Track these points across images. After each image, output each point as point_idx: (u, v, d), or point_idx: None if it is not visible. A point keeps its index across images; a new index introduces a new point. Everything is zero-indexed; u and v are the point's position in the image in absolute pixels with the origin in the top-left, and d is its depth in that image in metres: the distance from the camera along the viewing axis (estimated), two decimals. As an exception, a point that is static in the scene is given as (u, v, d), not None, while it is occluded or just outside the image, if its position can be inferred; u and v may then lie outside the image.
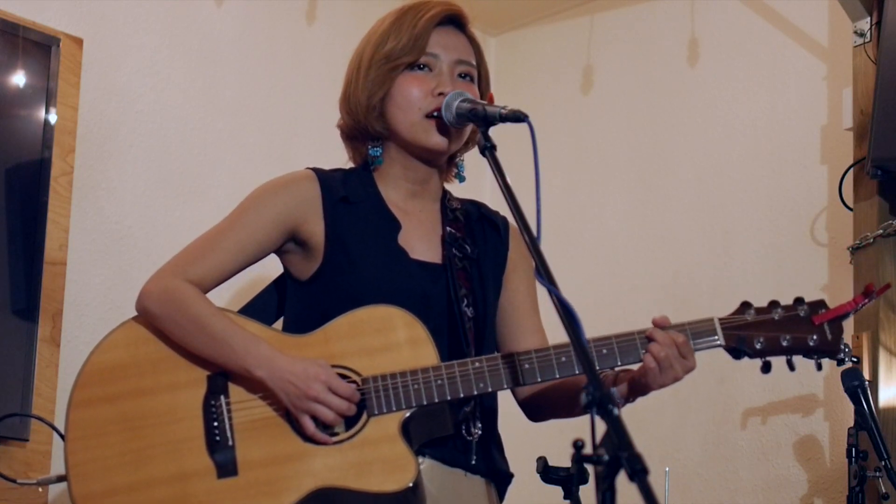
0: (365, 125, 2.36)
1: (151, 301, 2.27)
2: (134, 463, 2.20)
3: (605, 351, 2.19)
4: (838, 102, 3.73)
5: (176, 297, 2.26)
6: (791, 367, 2.23)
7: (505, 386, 2.21)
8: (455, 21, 2.40)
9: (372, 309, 2.24)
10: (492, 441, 2.37)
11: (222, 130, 3.81)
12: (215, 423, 2.21)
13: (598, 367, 2.18)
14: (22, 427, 3.15)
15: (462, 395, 2.19)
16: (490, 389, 2.20)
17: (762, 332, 2.22)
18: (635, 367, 2.24)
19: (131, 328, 2.29)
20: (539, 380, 2.21)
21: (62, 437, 2.27)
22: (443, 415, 2.22)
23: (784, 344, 2.22)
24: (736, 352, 2.23)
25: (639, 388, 2.24)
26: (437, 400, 2.18)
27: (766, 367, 2.22)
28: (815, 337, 2.23)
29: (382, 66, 2.34)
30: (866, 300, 2.21)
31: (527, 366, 2.20)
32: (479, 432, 2.29)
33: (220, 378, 2.24)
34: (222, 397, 2.22)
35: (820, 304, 2.25)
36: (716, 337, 2.22)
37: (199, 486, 2.18)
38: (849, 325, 3.51)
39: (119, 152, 3.55)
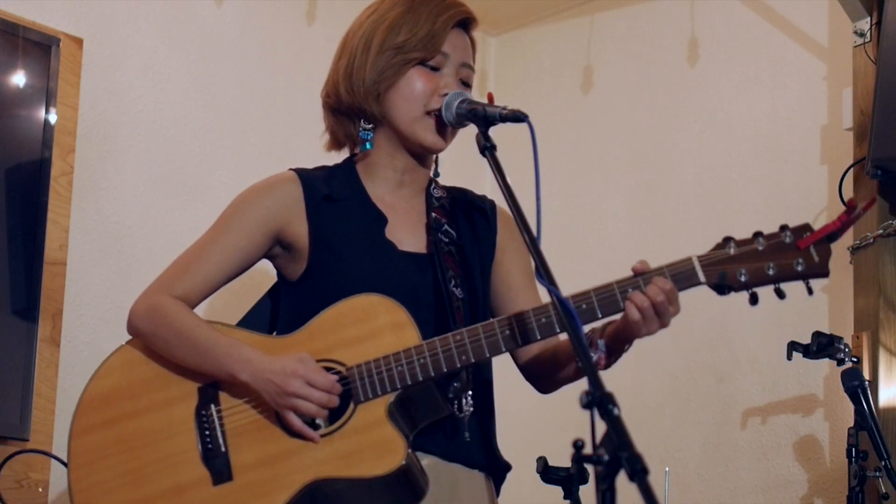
0: (363, 106, 2.36)
1: (139, 319, 2.31)
2: (133, 482, 2.23)
3: (584, 306, 2.14)
4: (838, 102, 3.73)
5: (160, 312, 2.28)
6: (780, 295, 2.13)
7: (487, 354, 2.18)
8: (466, 24, 2.41)
9: (353, 300, 2.24)
10: (489, 426, 2.36)
11: (222, 130, 3.81)
12: (207, 432, 2.23)
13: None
14: (22, 427, 3.16)
15: (446, 370, 2.18)
16: (473, 360, 2.18)
17: (745, 264, 2.14)
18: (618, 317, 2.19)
19: (126, 352, 2.32)
20: (520, 343, 2.18)
21: (64, 464, 2.30)
22: (431, 394, 2.21)
23: (770, 273, 2.13)
24: (719, 287, 2.16)
25: (625, 338, 2.20)
26: (420, 378, 2.17)
27: (754, 299, 2.14)
28: (801, 261, 2.12)
29: (394, 55, 2.33)
30: (850, 218, 2.10)
31: (507, 332, 2.17)
32: (471, 409, 2.26)
33: (211, 388, 2.26)
34: (213, 406, 2.24)
35: (805, 227, 2.15)
36: (696, 275, 2.17)
37: (196, 496, 2.20)
38: (849, 325, 3.52)
39: (119, 152, 3.55)
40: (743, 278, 2.14)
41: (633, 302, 2.14)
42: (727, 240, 2.18)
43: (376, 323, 2.22)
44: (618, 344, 2.22)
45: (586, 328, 2.21)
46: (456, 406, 2.26)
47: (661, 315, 2.15)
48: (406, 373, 2.17)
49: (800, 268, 2.13)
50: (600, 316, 2.16)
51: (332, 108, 2.43)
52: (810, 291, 2.14)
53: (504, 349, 2.19)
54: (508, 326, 2.18)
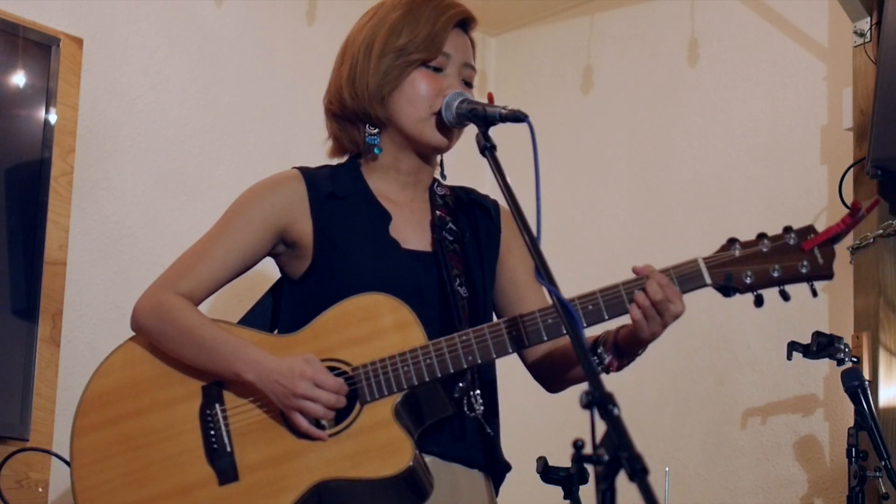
0: (367, 110, 2.36)
1: (143, 316, 2.30)
2: (138, 482, 2.23)
3: (590, 307, 2.16)
4: (838, 102, 3.73)
5: (165, 310, 2.28)
6: (785, 297, 2.15)
7: (493, 355, 2.19)
8: (465, 24, 2.42)
9: (357, 298, 2.24)
10: (492, 426, 2.35)
11: (222, 130, 3.81)
12: (212, 432, 2.23)
13: (585, 324, 2.14)
14: (22, 427, 3.16)
15: (452, 371, 2.17)
16: (479, 361, 2.18)
17: (750, 266, 2.15)
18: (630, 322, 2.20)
19: (129, 349, 2.32)
20: (528, 345, 2.19)
21: (66, 462, 2.30)
22: (437, 394, 2.21)
23: (774, 275, 2.14)
24: (725, 289, 2.17)
25: (635, 341, 2.21)
26: (427, 379, 2.17)
27: (759, 301, 2.15)
28: (805, 263, 2.14)
29: (397, 58, 2.33)
30: (854, 220, 2.12)
31: (514, 332, 2.18)
32: (482, 408, 2.27)
33: (215, 387, 2.26)
34: (217, 405, 2.24)
35: (809, 229, 2.16)
36: (702, 277, 2.18)
37: (202, 496, 2.20)
38: (849, 325, 3.52)
39: (119, 152, 3.55)
40: (748, 280, 2.15)
41: (636, 301, 2.15)
42: (732, 241, 2.19)
43: (381, 322, 2.22)
44: (630, 347, 2.23)
45: (601, 329, 2.22)
46: (466, 405, 2.26)
47: (661, 313, 2.16)
48: (412, 373, 2.17)
49: (804, 270, 2.15)
50: (607, 317, 2.17)
51: (336, 114, 2.43)
52: (815, 293, 2.17)
53: (511, 350, 2.20)
54: (515, 327, 2.18)
